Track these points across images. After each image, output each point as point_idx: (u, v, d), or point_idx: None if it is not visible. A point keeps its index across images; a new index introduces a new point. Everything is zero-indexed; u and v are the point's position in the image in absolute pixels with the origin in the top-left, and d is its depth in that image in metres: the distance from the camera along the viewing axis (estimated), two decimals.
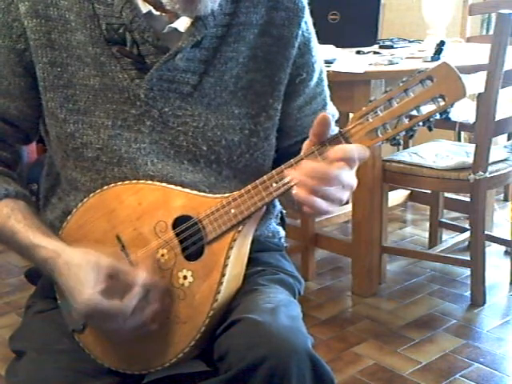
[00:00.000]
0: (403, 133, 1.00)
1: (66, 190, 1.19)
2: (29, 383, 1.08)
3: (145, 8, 1.11)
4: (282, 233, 1.34)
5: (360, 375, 2.18)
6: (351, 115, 1.02)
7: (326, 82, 1.27)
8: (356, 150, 0.99)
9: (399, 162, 2.62)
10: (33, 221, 1.12)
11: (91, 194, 1.13)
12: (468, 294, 2.65)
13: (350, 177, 1.00)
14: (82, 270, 1.02)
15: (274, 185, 1.03)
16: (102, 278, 1.01)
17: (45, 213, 1.23)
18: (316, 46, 1.23)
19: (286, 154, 1.16)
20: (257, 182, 1.04)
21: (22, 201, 1.14)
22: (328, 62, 2.41)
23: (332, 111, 1.30)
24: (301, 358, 0.99)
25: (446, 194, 3.09)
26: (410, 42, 3.14)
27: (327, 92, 1.28)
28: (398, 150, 2.89)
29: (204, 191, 1.12)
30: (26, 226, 1.10)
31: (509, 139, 3.28)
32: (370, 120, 1.00)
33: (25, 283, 1.32)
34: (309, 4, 1.21)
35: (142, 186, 1.11)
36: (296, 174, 1.00)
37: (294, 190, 1.00)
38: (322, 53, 1.26)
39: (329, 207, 1.00)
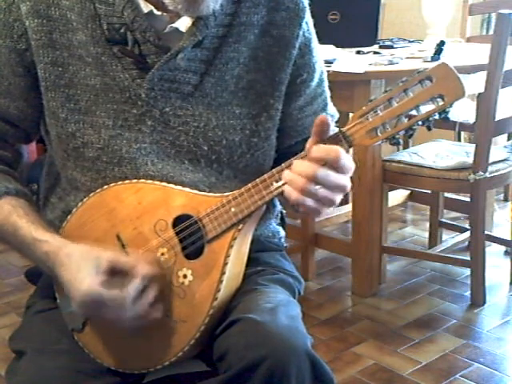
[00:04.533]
0: (403, 132, 1.01)
1: (67, 190, 1.19)
2: (29, 383, 1.08)
3: (146, 8, 1.11)
4: (282, 233, 1.34)
5: (360, 375, 2.18)
6: (351, 115, 1.02)
7: (326, 83, 1.28)
8: (334, 151, 0.98)
9: (399, 161, 2.62)
10: (34, 217, 1.12)
11: (91, 194, 1.13)
12: (468, 293, 2.65)
13: (338, 178, 0.99)
14: (83, 261, 1.03)
15: (275, 183, 1.03)
16: (102, 270, 1.02)
17: (45, 212, 1.23)
18: (317, 46, 1.23)
19: (286, 154, 1.16)
20: (257, 180, 1.05)
21: (23, 199, 1.14)
22: (328, 62, 2.41)
23: (332, 111, 1.31)
24: (300, 357, 0.99)
25: (446, 194, 3.09)
26: (410, 42, 3.15)
27: (328, 92, 1.29)
28: (398, 150, 2.89)
29: (204, 191, 1.12)
30: (29, 222, 1.10)
31: (509, 139, 3.28)
32: (370, 119, 1.00)
33: (25, 283, 1.33)
34: (309, 4, 1.21)
35: (142, 185, 1.11)
36: (286, 174, 1.01)
37: (285, 190, 1.01)
38: (322, 53, 1.26)
39: (320, 209, 1.00)
